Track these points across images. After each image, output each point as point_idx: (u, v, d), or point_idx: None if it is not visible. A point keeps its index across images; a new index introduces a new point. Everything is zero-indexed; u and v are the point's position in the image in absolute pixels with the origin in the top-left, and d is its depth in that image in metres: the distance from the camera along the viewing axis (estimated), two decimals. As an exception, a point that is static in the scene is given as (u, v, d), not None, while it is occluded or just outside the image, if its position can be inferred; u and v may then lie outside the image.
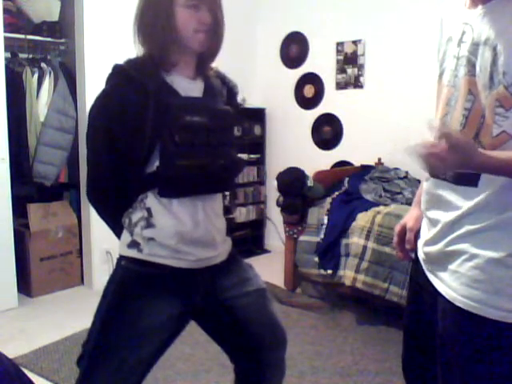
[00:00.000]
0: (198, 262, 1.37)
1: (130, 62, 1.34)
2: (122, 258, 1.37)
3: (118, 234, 1.41)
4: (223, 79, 1.51)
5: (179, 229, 1.32)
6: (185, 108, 1.32)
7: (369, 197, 3.38)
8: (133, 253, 1.34)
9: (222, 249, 1.45)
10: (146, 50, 1.35)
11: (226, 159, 1.40)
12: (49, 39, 3.64)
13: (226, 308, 1.45)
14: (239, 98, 1.58)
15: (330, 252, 3.16)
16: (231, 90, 1.52)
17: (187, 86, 1.37)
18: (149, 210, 1.33)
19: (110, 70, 1.35)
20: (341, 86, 4.23)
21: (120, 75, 1.32)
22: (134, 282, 1.35)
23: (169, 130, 1.28)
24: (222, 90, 1.49)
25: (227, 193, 3.41)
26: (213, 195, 1.42)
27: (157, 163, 1.30)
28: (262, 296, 1.51)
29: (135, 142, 1.28)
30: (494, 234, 1.02)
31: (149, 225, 1.33)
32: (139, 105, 1.27)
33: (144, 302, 1.33)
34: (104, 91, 1.34)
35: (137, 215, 1.34)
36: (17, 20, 3.57)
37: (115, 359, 1.31)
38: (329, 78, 4.30)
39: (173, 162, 1.30)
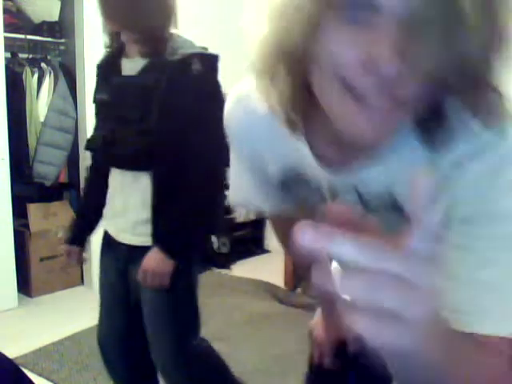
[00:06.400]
0: (115, 231, 1.58)
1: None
2: None
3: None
4: (169, 56, 1.44)
5: (107, 195, 1.59)
6: (99, 86, 1.55)
7: (369, 197, 3.38)
8: None
9: (135, 229, 1.52)
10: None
11: (120, 134, 1.47)
12: (49, 39, 3.63)
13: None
14: (194, 68, 1.42)
15: (330, 252, 3.16)
16: (174, 66, 1.43)
17: (128, 65, 1.51)
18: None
19: None
20: (341, 86, 4.23)
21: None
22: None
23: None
24: (164, 66, 1.42)
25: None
26: (131, 175, 1.50)
27: None
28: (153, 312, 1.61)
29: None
30: None
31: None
32: (96, 85, 1.57)
33: (102, 262, 1.67)
34: None
35: None
36: (17, 20, 3.56)
37: (103, 304, 1.70)
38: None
39: (91, 134, 1.58)
